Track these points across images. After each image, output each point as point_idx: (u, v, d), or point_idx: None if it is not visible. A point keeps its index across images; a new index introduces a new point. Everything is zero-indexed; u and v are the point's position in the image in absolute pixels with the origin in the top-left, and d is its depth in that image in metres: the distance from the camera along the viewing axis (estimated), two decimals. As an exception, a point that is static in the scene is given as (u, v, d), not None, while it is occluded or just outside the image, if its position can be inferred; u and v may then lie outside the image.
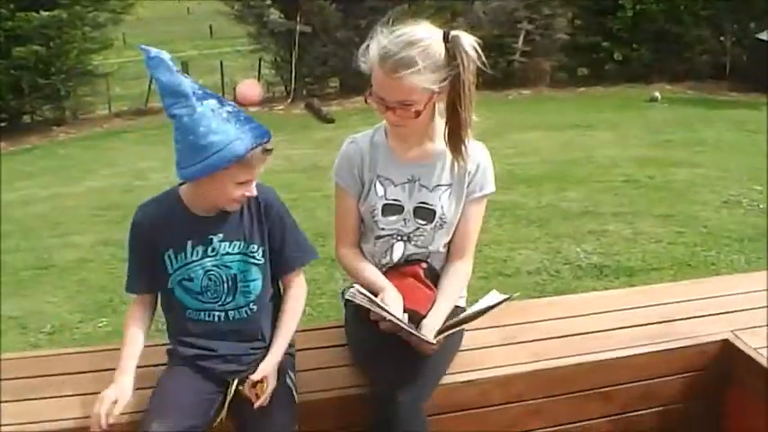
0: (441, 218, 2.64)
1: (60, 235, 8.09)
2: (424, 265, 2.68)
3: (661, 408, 2.95)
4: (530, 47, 18.86)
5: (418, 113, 2.48)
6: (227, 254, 2.46)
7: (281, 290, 2.63)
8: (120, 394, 2.37)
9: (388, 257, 2.70)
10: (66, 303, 6.05)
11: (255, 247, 2.49)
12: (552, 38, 18.72)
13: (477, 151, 2.67)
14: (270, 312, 2.57)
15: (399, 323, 2.38)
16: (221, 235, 2.45)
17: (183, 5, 50.30)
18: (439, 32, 2.45)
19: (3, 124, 16.96)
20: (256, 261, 2.50)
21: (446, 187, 2.66)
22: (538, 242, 7.07)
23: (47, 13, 16.65)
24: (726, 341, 2.96)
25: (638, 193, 8.53)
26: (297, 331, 2.60)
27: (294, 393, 2.50)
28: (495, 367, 2.75)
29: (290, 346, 2.62)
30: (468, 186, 2.66)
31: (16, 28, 16.61)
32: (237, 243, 2.47)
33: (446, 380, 2.64)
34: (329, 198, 9.08)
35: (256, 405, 2.33)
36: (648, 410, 2.94)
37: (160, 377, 2.49)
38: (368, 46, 2.47)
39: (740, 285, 3.49)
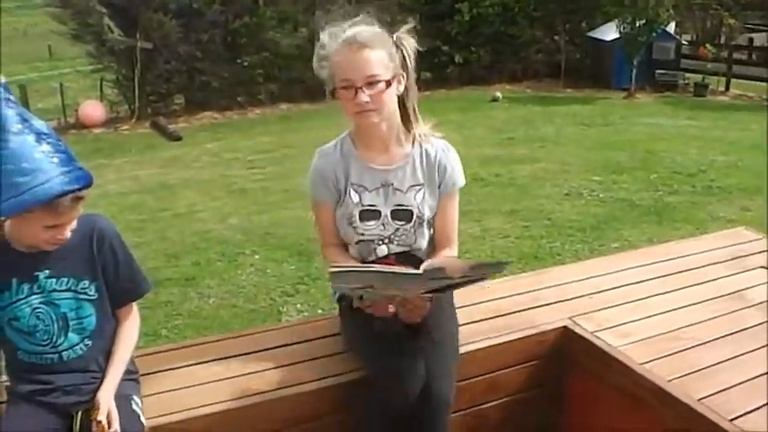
0: (419, 217, 2.77)
1: None
2: (393, 256, 2.77)
3: (507, 398, 3.07)
4: (373, 54, 19.06)
5: (384, 90, 2.60)
6: (55, 290, 2.38)
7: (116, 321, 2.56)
8: None
9: (373, 257, 2.79)
10: None
11: (87, 282, 2.42)
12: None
13: (443, 150, 2.82)
14: (108, 342, 2.51)
15: (381, 269, 2.42)
16: (48, 271, 2.36)
17: (17, 25, 48.50)
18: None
19: None
20: (89, 297, 2.43)
21: (419, 187, 2.78)
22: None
23: None
24: (565, 328, 3.11)
25: (486, 191, 8.75)
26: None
27: (141, 419, 2.46)
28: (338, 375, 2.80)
29: (134, 372, 2.60)
30: (440, 186, 2.80)
31: None
32: (65, 279, 2.38)
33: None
34: (179, 217, 8.97)
35: None
36: (495, 402, 3.05)
37: (3, 419, 2.39)
38: (321, 47, 2.68)
39: (578, 273, 3.67)
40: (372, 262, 2.76)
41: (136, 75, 17.48)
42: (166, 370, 2.83)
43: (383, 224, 2.76)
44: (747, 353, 2.87)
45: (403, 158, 2.78)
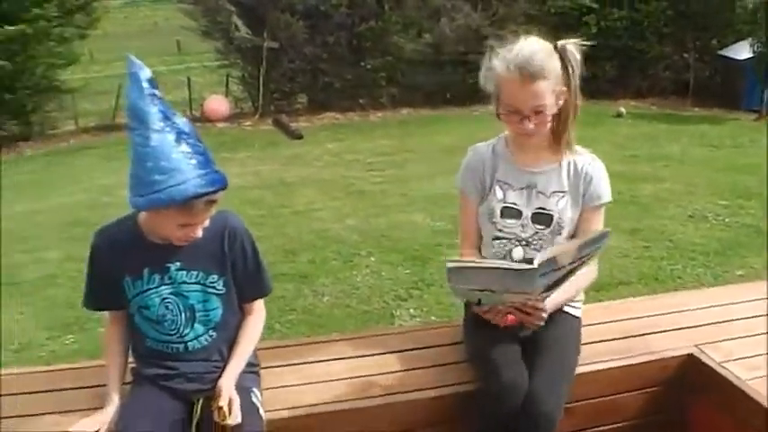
0: (558, 223, 2.77)
1: (27, 251, 8.01)
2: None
3: (625, 423, 2.99)
4: (496, 63, 18.95)
5: (549, 118, 2.64)
6: (185, 282, 2.45)
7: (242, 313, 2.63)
8: (106, 420, 2.42)
9: (507, 260, 2.78)
10: (33, 320, 6.00)
11: (216, 277, 2.48)
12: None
13: (590, 163, 2.82)
14: (232, 334, 2.58)
15: (499, 266, 2.43)
16: (179, 263, 2.44)
17: (149, 20, 50.07)
18: (549, 44, 2.62)
19: (-33, 140, 16.75)
20: (216, 291, 2.49)
21: (562, 194, 2.79)
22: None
23: (11, 27, 16.48)
24: (690, 356, 3.01)
25: (606, 208, 8.56)
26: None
27: (260, 412, 2.49)
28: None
29: (255, 365, 2.65)
30: (584, 196, 2.80)
31: (-19, 43, 16.46)
32: (195, 272, 2.46)
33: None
34: (298, 214, 9.14)
35: (232, 424, 2.32)
36: (612, 426, 2.98)
37: (126, 399, 2.48)
38: (489, 68, 2.63)
39: (704, 300, 3.55)
40: None
41: (261, 73, 17.84)
42: (286, 365, 2.87)
43: (522, 225, 2.78)
44: None
45: (551, 164, 2.80)
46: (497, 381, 2.56)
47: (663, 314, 3.34)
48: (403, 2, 18.63)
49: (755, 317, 3.33)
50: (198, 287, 2.47)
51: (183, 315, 2.47)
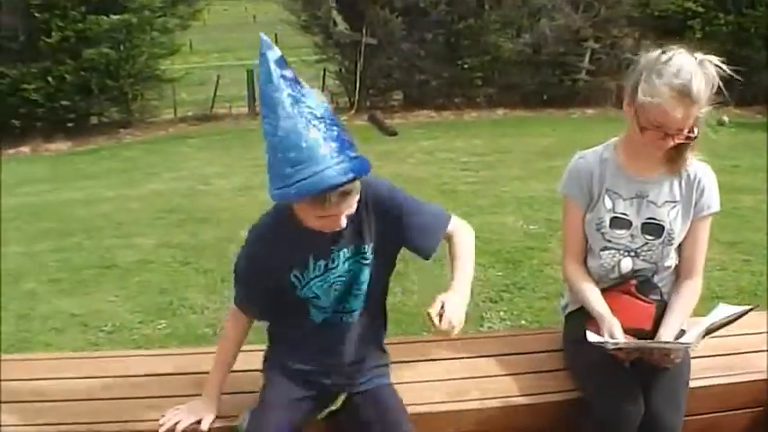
0: (669, 233, 2.71)
1: (123, 236, 8.17)
2: (634, 280, 2.73)
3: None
4: (595, 66, 18.69)
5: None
6: (347, 260, 2.40)
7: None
8: (204, 415, 2.44)
9: (616, 273, 2.77)
10: (127, 303, 6.10)
11: (365, 246, 2.40)
12: (618, 57, 18.51)
13: (703, 171, 2.74)
14: (375, 305, 2.55)
15: (650, 345, 2.51)
16: (337, 243, 2.37)
17: (249, 13, 50.83)
18: (696, 63, 2.50)
19: (70, 124, 17.18)
20: (366, 261, 2.42)
21: (674, 204, 2.72)
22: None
23: (116, 16, 16.91)
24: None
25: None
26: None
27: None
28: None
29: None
30: (695, 206, 2.73)
31: (86, 30, 16.87)
32: (350, 247, 2.39)
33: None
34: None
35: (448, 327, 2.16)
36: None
37: (264, 390, 2.48)
38: (645, 80, 2.49)
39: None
40: (612, 285, 2.73)
41: (358, 68, 17.95)
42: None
43: (632, 235, 2.71)
44: None
45: (662, 173, 2.72)
46: (615, 410, 2.49)
47: (763, 332, 3.21)
48: (503, 1, 18.52)
49: None
50: (351, 261, 2.40)
51: (342, 292, 2.44)
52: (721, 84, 2.51)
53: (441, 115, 17.48)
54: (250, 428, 2.33)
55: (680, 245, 2.76)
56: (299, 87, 2.06)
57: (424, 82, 18.18)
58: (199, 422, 2.42)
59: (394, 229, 2.39)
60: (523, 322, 5.37)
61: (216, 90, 18.81)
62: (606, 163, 2.75)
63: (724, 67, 2.52)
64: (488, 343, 3.07)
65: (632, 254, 2.73)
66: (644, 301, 2.70)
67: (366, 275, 2.43)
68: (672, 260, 2.78)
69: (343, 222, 2.20)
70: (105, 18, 16.82)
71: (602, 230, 2.73)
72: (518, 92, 18.17)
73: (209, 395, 2.49)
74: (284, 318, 2.51)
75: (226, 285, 6.51)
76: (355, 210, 2.25)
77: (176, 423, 2.42)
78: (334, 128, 2.07)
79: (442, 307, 2.18)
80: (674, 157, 2.68)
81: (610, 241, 2.74)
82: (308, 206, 2.12)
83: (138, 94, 18.46)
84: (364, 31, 17.66)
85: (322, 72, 19.55)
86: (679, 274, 2.81)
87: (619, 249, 2.74)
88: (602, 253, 2.75)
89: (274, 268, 2.37)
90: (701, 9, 18.85)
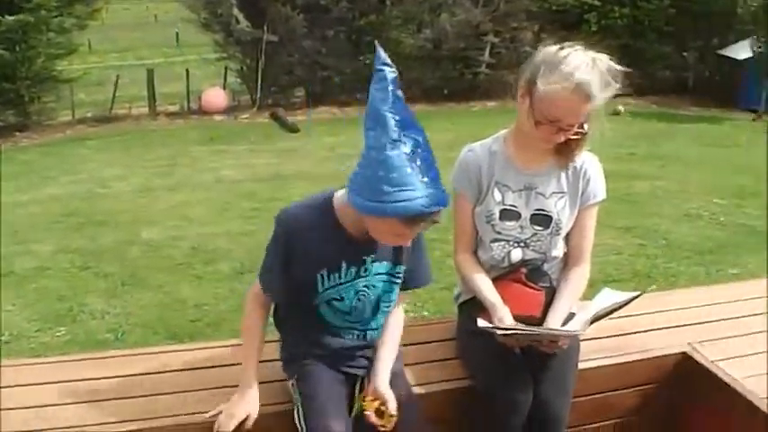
0: (557, 223, 2.75)
1: (19, 242, 7.97)
2: (524, 269, 2.76)
3: (618, 420, 2.98)
4: (495, 59, 18.95)
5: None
6: (378, 274, 2.45)
7: None
8: (251, 410, 2.42)
9: (506, 263, 2.79)
10: (24, 311, 5.98)
11: (400, 267, 2.48)
12: (518, 51, 18.80)
13: (589, 161, 2.78)
14: None
15: (538, 331, 2.54)
16: (372, 255, 2.42)
17: (149, 12, 50.00)
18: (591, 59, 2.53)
19: (-36, 129, 16.67)
20: (398, 280, 2.50)
21: (561, 194, 2.76)
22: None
23: (12, 17, 16.41)
24: (684, 354, 2.99)
25: (601, 205, 8.52)
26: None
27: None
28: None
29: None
30: (582, 195, 2.77)
31: (-19, 32, 16.38)
32: (386, 263, 2.45)
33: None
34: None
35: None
36: (605, 423, 2.96)
37: (303, 373, 2.48)
38: (541, 75, 2.52)
39: (699, 298, 3.53)
40: (503, 273, 2.77)
41: (259, 66, 17.83)
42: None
43: (521, 227, 2.75)
44: None
45: (549, 164, 2.76)
46: (505, 399, 2.54)
47: (657, 312, 3.32)
48: (403, -3, 18.63)
49: (750, 315, 3.32)
50: (386, 278, 2.47)
51: (370, 306, 2.48)
52: (612, 80, 2.52)
53: (343, 111, 17.50)
54: (312, 426, 2.34)
55: (568, 233, 2.81)
56: (407, 110, 2.16)
57: (326, 78, 18.17)
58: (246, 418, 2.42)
59: (411, 254, 2.50)
60: (426, 313, 5.43)
61: (115, 90, 18.41)
62: (495, 156, 2.76)
63: (616, 66, 2.54)
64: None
65: (522, 244, 2.76)
66: (534, 288, 2.74)
67: (396, 295, 2.53)
68: (560, 249, 2.82)
69: (409, 242, 2.35)
70: (0, 19, 16.32)
71: (492, 222, 2.75)
72: (420, 87, 18.27)
73: (249, 386, 2.47)
74: (305, 318, 2.51)
75: (126, 289, 6.43)
76: None
77: (232, 420, 2.41)
78: (430, 158, 2.16)
79: (382, 403, 2.35)
80: (564, 151, 2.72)
81: (500, 233, 2.76)
82: (395, 224, 2.18)
83: (34, 96, 17.93)
84: (265, 28, 17.54)
85: (223, 70, 19.36)
86: (567, 262, 2.84)
87: (509, 240, 2.76)
88: (492, 244, 2.78)
89: (305, 261, 2.39)
90: (597, 3, 19.29)
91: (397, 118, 2.12)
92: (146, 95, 18.62)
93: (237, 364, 2.57)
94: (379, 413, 2.33)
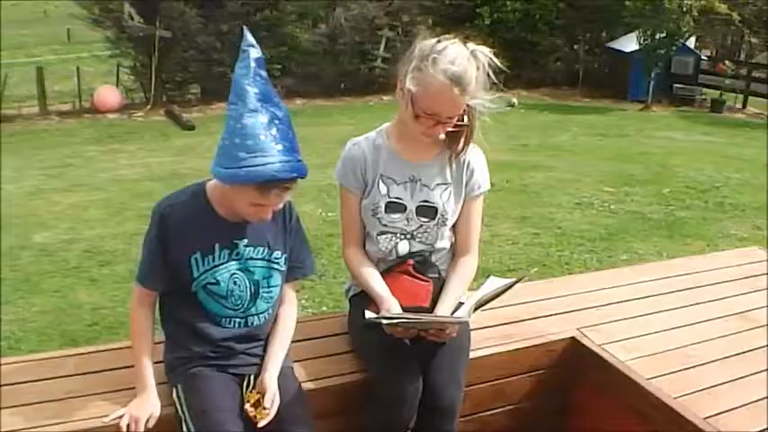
0: (442, 215, 2.78)
1: None
2: (412, 260, 2.79)
3: (511, 406, 3.04)
4: (390, 53, 19.07)
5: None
6: (251, 258, 2.50)
7: None
8: (152, 409, 2.41)
9: (393, 255, 2.82)
10: None
11: (279, 254, 2.55)
12: (412, 44, 18.91)
13: (472, 153, 2.82)
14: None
15: (424, 319, 2.58)
16: (246, 240, 2.48)
17: (38, 7, 48.61)
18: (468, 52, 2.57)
19: None
20: (279, 267, 2.56)
21: (446, 186, 2.79)
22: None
23: None
24: (572, 339, 3.08)
25: (496, 196, 8.71)
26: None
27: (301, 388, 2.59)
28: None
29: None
30: (466, 186, 2.82)
31: None
32: (261, 249, 2.51)
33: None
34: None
35: (261, 424, 2.34)
36: (500, 409, 3.02)
37: (191, 384, 2.44)
38: (417, 69, 2.55)
39: (587, 284, 3.65)
40: (391, 266, 2.81)
41: (153, 62, 17.54)
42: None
43: (407, 219, 2.78)
44: (755, 374, 2.84)
45: (433, 156, 2.80)
46: (395, 389, 2.55)
47: (548, 299, 3.42)
48: (298, -9, 18.58)
49: (637, 299, 3.45)
50: (263, 263, 2.53)
51: (248, 290, 2.51)
52: (491, 73, 2.60)
53: (240, 108, 17.33)
54: None
55: (454, 224, 2.86)
56: (268, 87, 2.29)
57: (222, 74, 17.91)
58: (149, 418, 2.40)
59: (291, 244, 2.59)
60: (325, 308, 5.44)
61: (3, 89, 17.86)
62: (380, 149, 2.79)
63: (494, 58, 2.60)
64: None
65: (408, 236, 2.79)
66: (422, 279, 2.78)
67: (278, 281, 2.57)
68: (447, 240, 2.87)
69: (269, 215, 2.40)
70: None
71: (378, 215, 2.78)
72: (317, 82, 18.29)
73: (147, 387, 2.46)
74: (185, 307, 2.50)
75: (19, 295, 6.26)
76: (278, 219, 2.51)
77: (138, 423, 2.38)
78: (289, 131, 2.29)
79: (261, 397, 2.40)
80: (451, 144, 2.77)
81: (386, 225, 2.79)
82: (250, 191, 2.28)
83: None
84: (158, 24, 17.27)
85: (116, 68, 18.97)
86: (455, 252, 2.89)
87: (395, 233, 2.79)
88: (379, 237, 2.81)
89: (178, 244, 2.43)
90: (489, -4, 19.57)
91: (257, 91, 2.26)
92: (36, 94, 18.13)
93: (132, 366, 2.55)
94: (257, 404, 2.36)
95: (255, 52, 2.30)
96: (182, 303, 2.50)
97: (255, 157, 2.21)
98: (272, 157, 2.22)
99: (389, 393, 2.56)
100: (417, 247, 2.80)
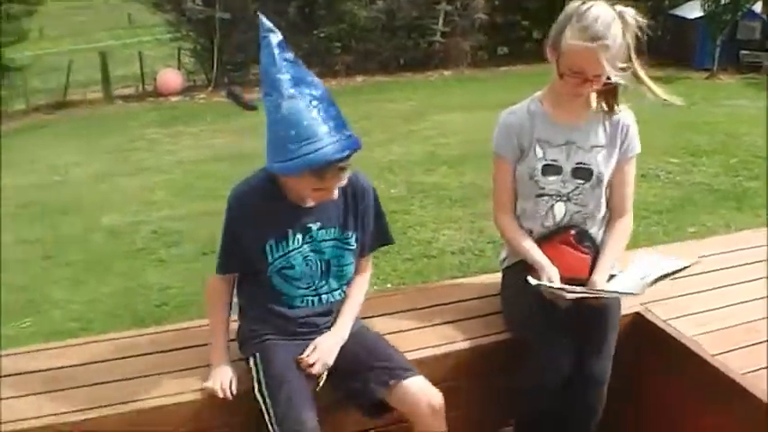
0: (598, 176, 2.83)
1: (-21, 235, 7.90)
2: (573, 231, 2.85)
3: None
4: (449, 27, 18.93)
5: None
6: (324, 240, 2.55)
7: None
8: (233, 377, 2.51)
9: (550, 219, 2.88)
10: (-15, 305, 5.93)
11: (350, 233, 2.60)
12: (471, 18, 18.77)
13: (625, 115, 2.88)
14: None
15: (589, 293, 2.66)
16: (318, 223, 2.53)
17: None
18: (614, 12, 2.63)
19: None
20: (350, 247, 2.61)
21: (601, 147, 2.84)
22: (461, 222, 7.17)
23: (-44, 8, 16.17)
24: (637, 314, 3.05)
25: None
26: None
27: None
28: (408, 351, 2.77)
29: None
30: (621, 147, 2.86)
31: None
32: (333, 230, 2.56)
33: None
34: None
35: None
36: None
37: (266, 354, 2.51)
38: (563, 27, 2.63)
39: (652, 258, 3.57)
40: (547, 233, 2.87)
41: (214, 44, 17.67)
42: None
43: (563, 181, 2.83)
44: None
45: (589, 119, 2.84)
46: (549, 360, 2.65)
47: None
48: (354, -32, 18.52)
49: (704, 272, 3.37)
50: (334, 242, 2.58)
51: (319, 270, 2.57)
52: (636, 32, 2.64)
53: (300, 86, 17.39)
54: (280, 411, 2.35)
55: (609, 187, 2.89)
56: (299, 69, 2.31)
57: (282, 54, 18.05)
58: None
59: (361, 222, 2.62)
60: (389, 285, 5.46)
61: (68, 75, 18.18)
62: (534, 115, 2.86)
63: (641, 19, 2.65)
64: (421, 295, 3.27)
65: (564, 198, 2.85)
66: (582, 251, 2.83)
67: (349, 259, 2.62)
68: (603, 209, 2.90)
69: (335, 194, 2.43)
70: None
71: (536, 178, 2.85)
72: (376, 58, 18.27)
73: (223, 361, 2.56)
74: (260, 291, 2.57)
75: (92, 275, 6.40)
76: (345, 196, 2.53)
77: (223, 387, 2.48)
78: (331, 108, 2.31)
79: (315, 350, 2.49)
80: (601, 104, 2.82)
81: (543, 188, 2.85)
82: (308, 178, 2.32)
83: (-13, 85, 17.68)
84: (217, 5, 17.39)
85: (177, 51, 19.17)
86: (611, 215, 2.94)
87: (551, 195, 2.85)
88: (536, 200, 2.87)
89: (253, 231, 2.49)
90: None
91: (288, 77, 2.27)
92: (100, 79, 18.42)
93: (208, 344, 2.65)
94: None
95: (275, 37, 2.31)
96: (256, 284, 2.57)
97: (303, 145, 2.23)
98: (320, 141, 2.24)
99: (544, 361, 2.65)
100: (573, 209, 2.85)
